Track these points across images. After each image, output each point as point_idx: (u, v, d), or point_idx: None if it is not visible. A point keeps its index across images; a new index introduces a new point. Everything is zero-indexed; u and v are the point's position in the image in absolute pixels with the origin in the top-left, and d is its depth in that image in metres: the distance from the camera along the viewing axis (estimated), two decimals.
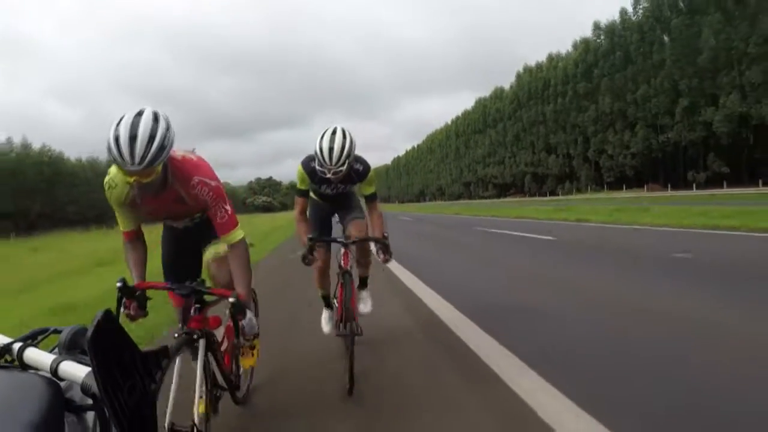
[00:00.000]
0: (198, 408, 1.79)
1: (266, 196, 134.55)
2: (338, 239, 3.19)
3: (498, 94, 68.12)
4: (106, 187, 2.08)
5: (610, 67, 44.04)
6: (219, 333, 2.24)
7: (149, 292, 1.99)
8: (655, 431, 2.03)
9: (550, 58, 56.70)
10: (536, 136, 56.52)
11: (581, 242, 9.48)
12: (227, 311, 2.00)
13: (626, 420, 2.09)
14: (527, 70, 60.60)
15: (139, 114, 1.79)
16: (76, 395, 0.80)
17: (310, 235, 3.02)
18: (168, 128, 1.82)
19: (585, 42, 48.90)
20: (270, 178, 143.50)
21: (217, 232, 2.13)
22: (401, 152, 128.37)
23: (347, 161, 2.80)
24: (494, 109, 67.15)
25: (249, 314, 2.01)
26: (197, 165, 2.10)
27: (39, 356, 0.83)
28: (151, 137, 1.74)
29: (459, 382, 2.70)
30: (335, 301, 3.36)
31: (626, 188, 41.69)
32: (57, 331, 0.93)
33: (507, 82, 65.85)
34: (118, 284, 1.84)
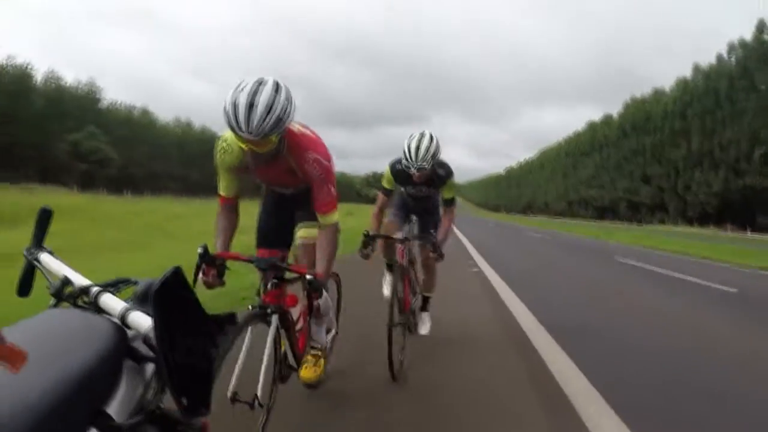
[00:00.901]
0: (262, 381, 1.81)
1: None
2: (394, 237, 3.37)
3: (607, 120, 71.27)
4: (219, 150, 2.07)
5: (702, 108, 46.88)
6: (295, 312, 2.21)
7: (229, 263, 1.95)
8: None
9: (655, 91, 59.41)
10: (635, 165, 59.56)
11: None
12: (303, 291, 2.00)
13: None
14: (634, 101, 63.54)
15: (261, 83, 1.77)
16: (141, 345, 0.85)
17: (366, 231, 3.20)
18: (288, 100, 1.80)
19: (684, 82, 51.65)
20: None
21: (315, 208, 2.13)
22: (518, 160, 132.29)
23: (431, 161, 3.01)
24: (602, 134, 70.48)
25: (325, 295, 2.00)
26: (315, 142, 2.11)
27: (112, 302, 0.90)
28: (270, 108, 1.73)
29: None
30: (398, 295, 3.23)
31: (703, 225, 44.65)
32: (136, 283, 1.00)
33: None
34: (199, 250, 1.83)
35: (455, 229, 17.35)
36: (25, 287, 1.06)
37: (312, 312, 2.27)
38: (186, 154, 62.31)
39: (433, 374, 3.13)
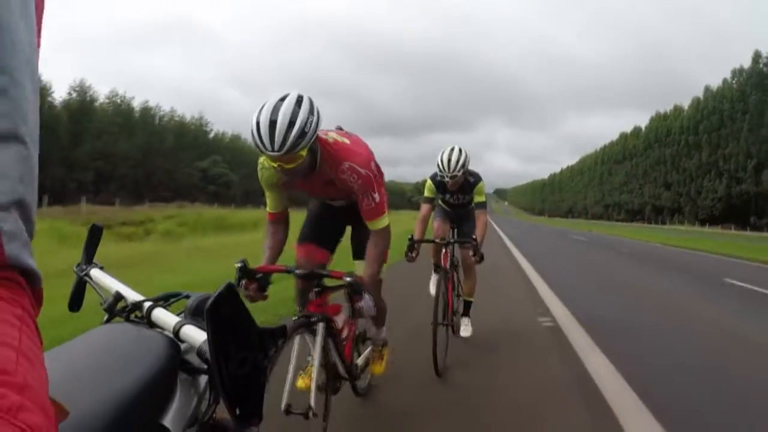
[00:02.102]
0: (315, 391, 1.77)
1: None
2: (436, 240, 3.71)
3: (636, 132, 78.55)
4: (259, 168, 2.10)
5: (710, 125, 54.38)
6: (339, 321, 2.16)
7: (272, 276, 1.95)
8: None
9: (675, 107, 66.72)
10: (658, 173, 66.96)
11: None
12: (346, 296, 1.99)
13: None
14: (657, 116, 70.90)
15: (282, 99, 1.76)
16: (193, 358, 0.86)
17: (411, 236, 3.51)
18: (311, 112, 1.76)
19: (697, 101, 59.11)
20: None
21: (363, 216, 2.10)
22: (563, 165, 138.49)
23: (462, 170, 3.42)
24: (631, 144, 77.81)
25: (366, 297, 1.94)
26: (349, 150, 2.05)
27: (165, 317, 0.92)
28: (291, 123, 1.70)
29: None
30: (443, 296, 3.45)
31: (710, 226, 52.14)
32: (188, 297, 1.00)
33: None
34: (238, 265, 1.82)
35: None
36: (75, 302, 1.09)
37: (354, 314, 2.17)
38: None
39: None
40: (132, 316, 0.97)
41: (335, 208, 2.46)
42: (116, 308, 0.99)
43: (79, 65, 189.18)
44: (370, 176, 2.04)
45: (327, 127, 2.15)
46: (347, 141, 2.10)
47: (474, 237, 3.52)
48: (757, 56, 49.12)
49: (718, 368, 3.64)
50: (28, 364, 0.40)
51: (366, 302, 1.95)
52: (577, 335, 4.30)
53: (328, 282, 1.99)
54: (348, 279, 1.88)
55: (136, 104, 52.88)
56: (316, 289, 1.98)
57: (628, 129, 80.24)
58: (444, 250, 3.65)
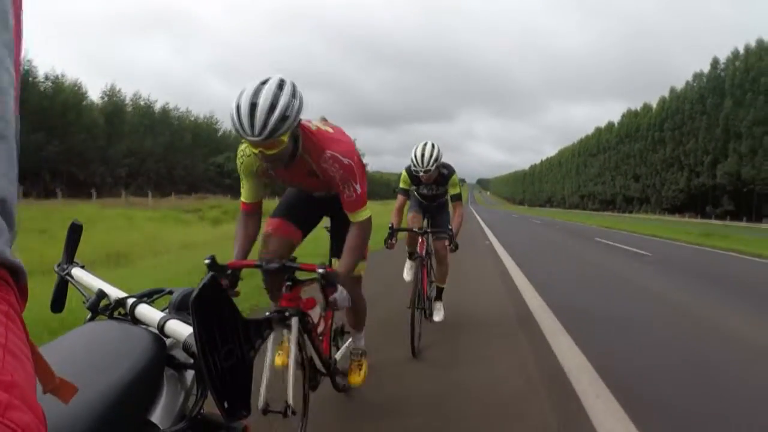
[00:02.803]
0: (292, 390, 1.72)
1: None
2: (413, 229, 3.83)
3: (609, 127, 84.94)
4: (239, 155, 2.05)
5: (673, 124, 60.77)
6: (315, 315, 2.11)
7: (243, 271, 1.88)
8: None
9: (644, 105, 73.19)
10: (629, 166, 73.42)
11: None
12: (320, 289, 1.92)
13: None
14: (630, 112, 77.33)
15: (264, 82, 1.71)
16: (179, 353, 0.86)
17: (391, 224, 3.70)
18: (293, 96, 1.72)
19: (662, 100, 65.53)
20: None
21: (343, 208, 2.05)
22: (546, 156, 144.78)
23: (435, 164, 3.56)
24: (605, 139, 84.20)
25: (341, 289, 1.87)
26: (332, 139, 2.00)
27: (149, 312, 0.91)
28: (272, 106, 1.66)
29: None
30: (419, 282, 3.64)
31: (672, 214, 58.73)
32: (171, 292, 1.00)
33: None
34: (207, 262, 1.74)
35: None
36: (58, 303, 1.06)
37: (327, 305, 2.10)
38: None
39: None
40: (116, 314, 0.96)
41: (314, 198, 2.37)
42: (99, 306, 0.98)
43: (65, 53, 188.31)
44: (352, 166, 1.97)
45: (312, 119, 2.12)
46: (330, 130, 2.05)
47: (450, 228, 3.75)
48: (715, 62, 55.24)
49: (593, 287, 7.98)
50: (14, 361, 0.39)
51: (340, 294, 1.87)
52: (505, 255, 9.85)
53: (301, 275, 1.91)
54: (320, 271, 1.80)
55: (157, 106, 57.46)
56: (288, 283, 1.90)
57: (607, 122, 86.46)
58: (420, 239, 3.78)
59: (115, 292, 0.99)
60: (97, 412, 0.64)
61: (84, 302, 0.99)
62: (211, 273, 0.73)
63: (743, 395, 3.00)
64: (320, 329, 2.19)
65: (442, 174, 3.81)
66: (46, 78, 42.19)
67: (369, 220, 2.09)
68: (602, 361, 3.37)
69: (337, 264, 2.25)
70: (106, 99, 50.14)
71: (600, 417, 2.50)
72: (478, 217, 35.07)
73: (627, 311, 5.31)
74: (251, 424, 0.92)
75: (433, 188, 3.94)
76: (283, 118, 1.68)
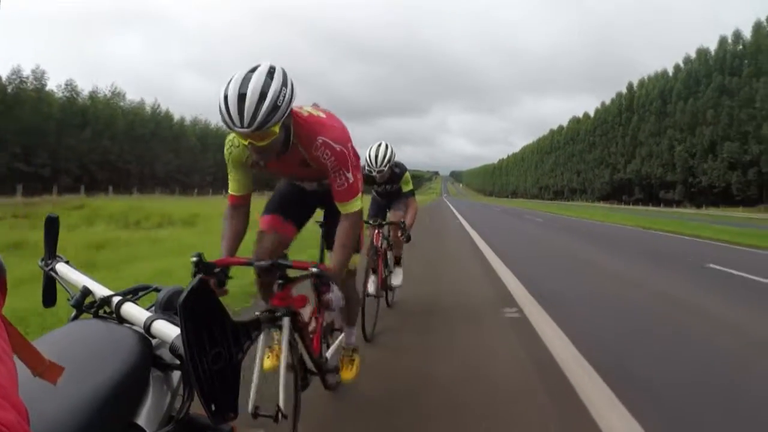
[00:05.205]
0: (283, 391, 1.68)
1: None
2: (369, 221, 4.04)
3: (560, 130, 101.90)
4: (227, 146, 1.96)
5: (602, 130, 77.42)
6: (306, 313, 2.07)
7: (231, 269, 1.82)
8: None
9: (584, 114, 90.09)
10: (573, 163, 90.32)
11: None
12: (312, 288, 1.91)
13: None
14: (574, 119, 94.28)
15: (253, 70, 1.62)
16: (165, 354, 0.84)
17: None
18: (285, 84, 1.64)
19: (596, 111, 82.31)
20: None
21: (334, 198, 1.98)
22: (517, 148, 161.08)
23: (388, 165, 3.76)
24: (557, 140, 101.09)
25: (335, 288, 1.84)
26: (324, 124, 1.93)
27: (135, 312, 0.89)
28: (263, 95, 1.57)
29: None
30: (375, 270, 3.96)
31: (600, 201, 75.47)
32: (157, 290, 0.97)
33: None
34: (194, 259, 1.70)
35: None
36: (48, 298, 1.05)
37: (320, 304, 2.09)
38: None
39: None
40: (101, 312, 0.94)
41: (307, 191, 2.33)
42: (84, 304, 0.96)
43: (35, 50, 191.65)
44: (344, 153, 1.90)
45: (304, 105, 2.02)
46: (323, 115, 1.98)
47: (403, 221, 4.13)
48: (630, 86, 72.07)
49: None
50: None
51: (334, 294, 1.84)
52: (469, 228, 23.75)
53: (292, 273, 1.84)
54: (314, 269, 1.73)
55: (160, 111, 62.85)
56: (279, 281, 1.84)
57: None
58: (377, 231, 4.07)
59: (100, 290, 0.97)
60: (81, 415, 0.63)
61: (68, 299, 0.98)
62: (199, 276, 0.72)
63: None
64: (311, 328, 2.17)
65: (395, 173, 4.08)
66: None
67: (360, 212, 2.04)
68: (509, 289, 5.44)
69: (330, 257, 2.21)
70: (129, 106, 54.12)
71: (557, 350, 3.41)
72: (450, 206, 48.80)
73: (524, 250, 12.05)
74: (239, 426, 0.93)
75: (387, 187, 4.23)
76: (274, 107, 1.60)
